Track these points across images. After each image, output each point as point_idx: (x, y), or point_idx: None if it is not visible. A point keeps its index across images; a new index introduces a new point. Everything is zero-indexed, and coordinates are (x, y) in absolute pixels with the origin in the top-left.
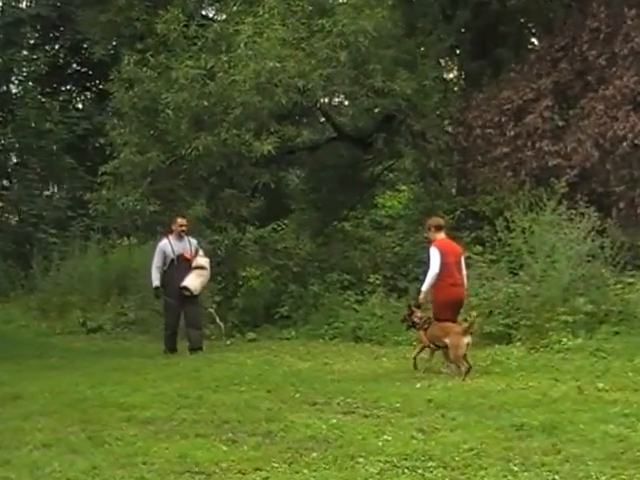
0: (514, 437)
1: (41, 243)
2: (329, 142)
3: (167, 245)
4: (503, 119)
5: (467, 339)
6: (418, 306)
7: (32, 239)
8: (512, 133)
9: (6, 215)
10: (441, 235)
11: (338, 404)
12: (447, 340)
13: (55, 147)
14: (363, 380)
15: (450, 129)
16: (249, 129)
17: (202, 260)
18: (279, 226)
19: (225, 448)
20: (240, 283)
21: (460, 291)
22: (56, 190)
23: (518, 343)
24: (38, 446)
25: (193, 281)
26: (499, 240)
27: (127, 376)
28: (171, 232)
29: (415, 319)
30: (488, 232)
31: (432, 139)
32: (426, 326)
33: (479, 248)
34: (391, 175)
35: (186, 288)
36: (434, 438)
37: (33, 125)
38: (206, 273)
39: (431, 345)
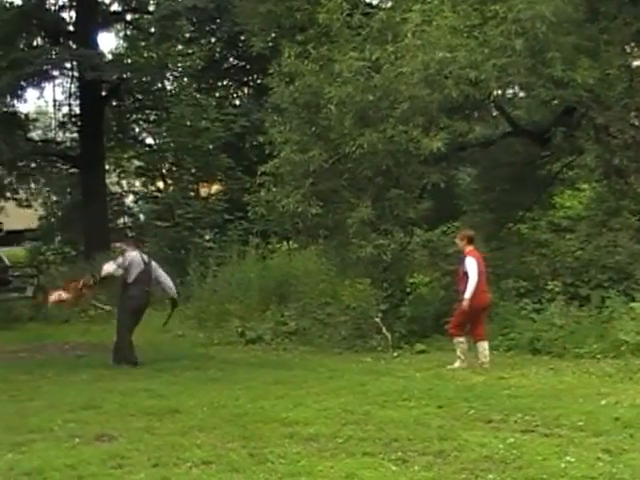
0: None
1: (197, 248)
2: (503, 137)
3: None
4: None
5: None
6: None
7: (188, 244)
8: None
9: (161, 219)
10: (471, 247)
11: (515, 422)
12: None
13: (211, 146)
14: (542, 396)
15: (637, 122)
16: (417, 125)
17: None
18: (449, 229)
19: (394, 468)
20: (408, 290)
21: (489, 297)
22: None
23: None
24: (198, 463)
25: None
26: None
27: (289, 390)
28: None
29: None
30: None
31: (617, 133)
32: None
33: None
34: (571, 173)
35: None
36: (622, 460)
37: (188, 123)
38: None
39: None
